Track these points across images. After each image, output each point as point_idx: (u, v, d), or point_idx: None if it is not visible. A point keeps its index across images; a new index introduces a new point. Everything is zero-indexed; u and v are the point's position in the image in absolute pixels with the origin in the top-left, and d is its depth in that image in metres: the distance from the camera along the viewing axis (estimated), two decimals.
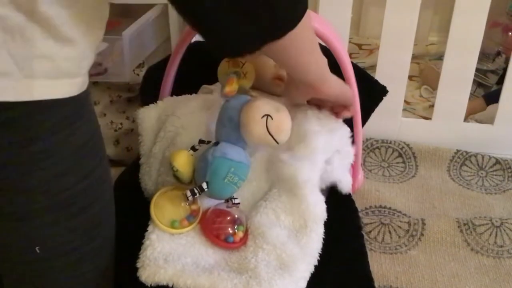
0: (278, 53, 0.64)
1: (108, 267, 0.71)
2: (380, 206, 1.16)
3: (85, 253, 0.66)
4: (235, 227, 0.73)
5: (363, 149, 1.28)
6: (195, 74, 0.97)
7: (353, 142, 0.91)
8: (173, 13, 1.28)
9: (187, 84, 0.94)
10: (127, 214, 0.75)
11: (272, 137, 0.72)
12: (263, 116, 0.72)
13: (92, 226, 0.66)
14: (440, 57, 1.62)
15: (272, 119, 0.72)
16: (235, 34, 0.57)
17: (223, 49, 0.60)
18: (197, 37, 1.13)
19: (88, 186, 0.63)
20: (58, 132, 0.58)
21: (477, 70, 1.29)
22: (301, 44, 0.65)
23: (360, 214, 1.10)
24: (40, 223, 0.61)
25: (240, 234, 0.73)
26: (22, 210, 0.60)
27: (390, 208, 1.15)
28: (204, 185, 0.71)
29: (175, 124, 0.82)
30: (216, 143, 0.74)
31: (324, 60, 0.73)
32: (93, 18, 0.58)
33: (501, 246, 1.04)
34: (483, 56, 1.50)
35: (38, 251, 0.62)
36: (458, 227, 1.06)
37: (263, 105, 0.73)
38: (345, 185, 0.86)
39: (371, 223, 1.08)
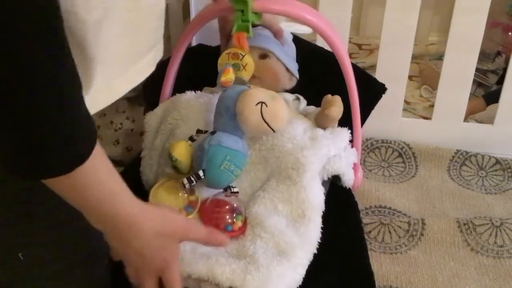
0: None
1: (103, 270, 0.70)
2: (380, 206, 1.16)
3: (72, 262, 0.65)
4: (234, 216, 0.74)
5: (363, 149, 1.28)
6: (197, 76, 0.97)
7: (352, 140, 0.91)
8: (173, 13, 1.28)
9: (189, 86, 0.94)
10: None
11: (268, 124, 0.73)
12: (258, 104, 0.72)
13: (78, 237, 0.64)
14: (440, 57, 1.62)
15: (266, 106, 0.72)
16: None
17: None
18: (198, 38, 1.13)
19: None
20: None
21: (477, 70, 1.29)
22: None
23: (360, 214, 1.10)
24: (17, 230, 0.60)
25: (239, 223, 0.73)
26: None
27: (390, 208, 1.15)
28: (201, 173, 0.72)
29: (174, 116, 0.84)
30: (213, 132, 0.75)
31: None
32: None
33: (501, 246, 1.04)
34: (483, 56, 1.50)
35: (21, 257, 0.61)
36: (458, 227, 1.06)
37: (258, 93, 0.74)
38: (348, 179, 0.86)
39: (371, 223, 1.08)
